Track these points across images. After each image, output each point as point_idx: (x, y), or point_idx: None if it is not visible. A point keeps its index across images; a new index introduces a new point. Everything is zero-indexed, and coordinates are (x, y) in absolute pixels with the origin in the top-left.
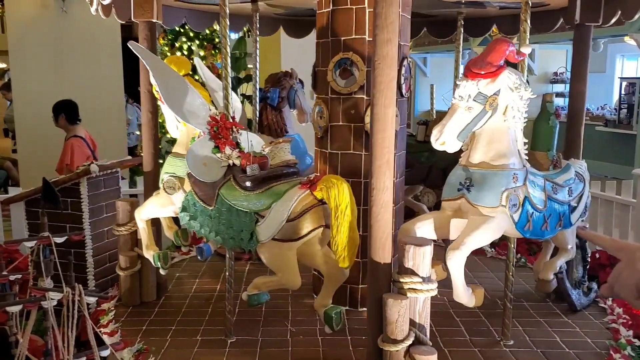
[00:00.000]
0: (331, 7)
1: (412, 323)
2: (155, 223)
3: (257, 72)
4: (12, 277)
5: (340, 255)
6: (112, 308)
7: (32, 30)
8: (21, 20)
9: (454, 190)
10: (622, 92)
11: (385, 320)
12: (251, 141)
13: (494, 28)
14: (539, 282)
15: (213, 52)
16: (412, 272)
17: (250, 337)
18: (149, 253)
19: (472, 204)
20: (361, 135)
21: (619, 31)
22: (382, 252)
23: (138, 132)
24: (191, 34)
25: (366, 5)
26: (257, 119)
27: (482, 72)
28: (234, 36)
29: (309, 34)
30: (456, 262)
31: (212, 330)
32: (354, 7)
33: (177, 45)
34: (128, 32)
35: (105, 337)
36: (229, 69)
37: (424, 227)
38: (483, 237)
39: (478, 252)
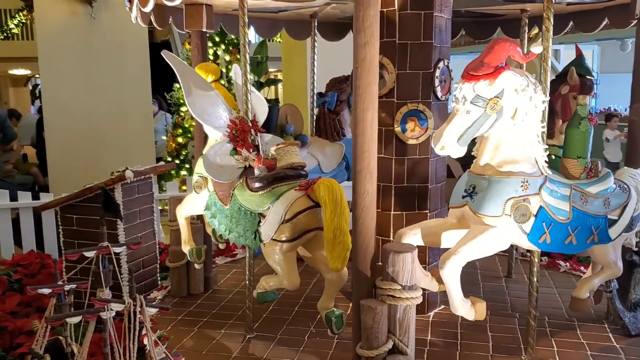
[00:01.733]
0: None
1: (393, 331)
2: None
3: (315, 77)
4: (67, 287)
5: (330, 256)
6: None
7: (61, 37)
8: (50, 28)
9: (459, 197)
10: None
11: (362, 325)
12: (267, 143)
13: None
14: (571, 299)
15: (238, 56)
16: (392, 279)
17: (270, 334)
18: (186, 248)
19: (474, 212)
20: (392, 140)
21: None
22: (364, 256)
23: (164, 137)
24: (217, 39)
25: (396, 7)
26: (315, 122)
27: (479, 74)
28: (255, 40)
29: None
30: (449, 271)
31: (238, 325)
32: (384, 9)
33: None
34: (150, 37)
35: None
36: (249, 75)
37: (419, 234)
38: (482, 248)
39: (549, 266)
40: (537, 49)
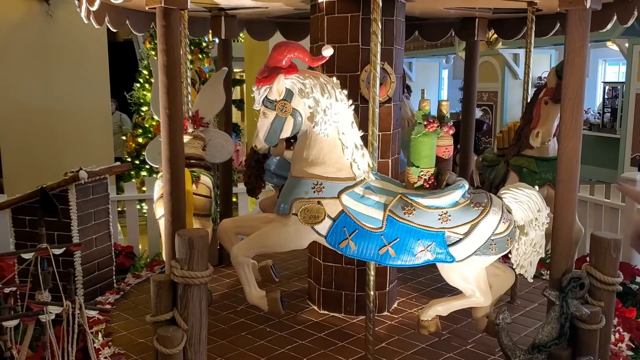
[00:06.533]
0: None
1: (176, 305)
2: None
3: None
4: (7, 290)
5: None
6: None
7: (17, 35)
8: (4, 25)
9: None
10: (605, 96)
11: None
12: (212, 137)
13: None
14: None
15: (200, 56)
16: (176, 259)
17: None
18: None
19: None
20: None
21: (601, 36)
22: (169, 238)
23: (124, 138)
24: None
25: (324, 11)
26: None
27: (259, 77)
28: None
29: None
30: (235, 259)
31: None
32: (318, 14)
33: None
34: (113, 37)
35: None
36: (189, 72)
37: (236, 225)
38: (270, 242)
39: None
40: (327, 52)
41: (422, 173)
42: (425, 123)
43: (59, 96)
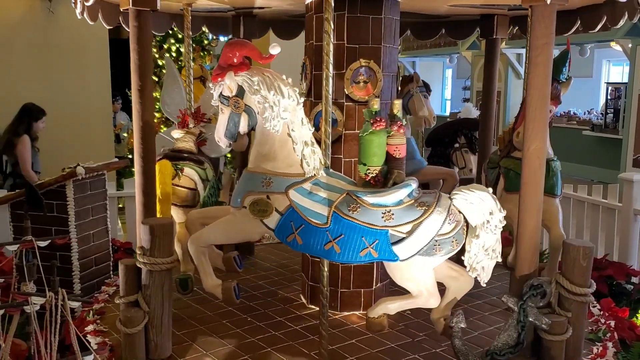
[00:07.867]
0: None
1: (141, 288)
2: None
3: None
4: None
5: None
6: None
7: (18, 32)
8: (6, 22)
9: None
10: (609, 96)
11: None
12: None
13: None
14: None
15: (202, 54)
16: (141, 246)
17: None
18: None
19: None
20: None
21: (605, 37)
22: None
23: (125, 135)
24: (179, 36)
25: (313, 10)
26: None
27: (213, 75)
28: (223, 38)
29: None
30: (192, 249)
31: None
32: (308, 13)
33: (165, 47)
34: (116, 34)
35: (90, 338)
36: (192, 71)
37: (200, 217)
38: (223, 234)
39: None
40: (274, 50)
41: (368, 171)
42: (372, 122)
43: (60, 93)
